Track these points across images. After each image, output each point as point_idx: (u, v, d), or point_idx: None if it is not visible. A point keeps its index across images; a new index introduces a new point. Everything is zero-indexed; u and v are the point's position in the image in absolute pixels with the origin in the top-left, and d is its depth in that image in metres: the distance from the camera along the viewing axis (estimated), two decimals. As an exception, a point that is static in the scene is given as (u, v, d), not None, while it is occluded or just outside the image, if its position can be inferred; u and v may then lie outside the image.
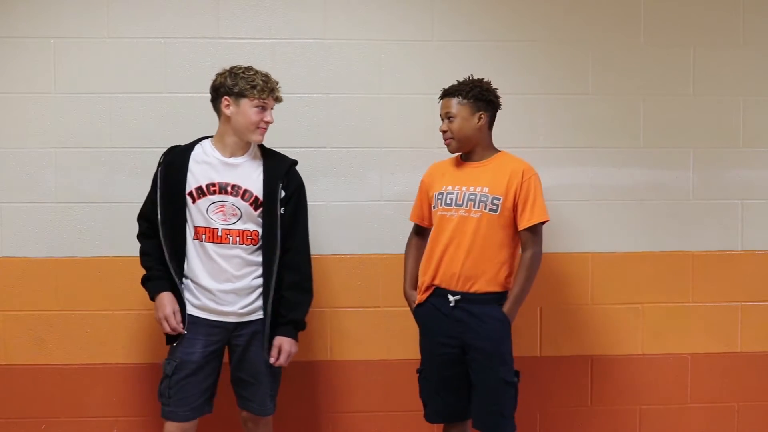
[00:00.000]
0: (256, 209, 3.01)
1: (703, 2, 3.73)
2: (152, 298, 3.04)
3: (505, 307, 3.03)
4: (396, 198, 3.65)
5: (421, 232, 3.29)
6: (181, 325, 2.99)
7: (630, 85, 3.71)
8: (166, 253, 3.02)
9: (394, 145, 3.64)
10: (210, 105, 3.09)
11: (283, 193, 3.03)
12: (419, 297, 3.16)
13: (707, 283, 3.76)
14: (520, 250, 3.09)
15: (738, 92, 3.75)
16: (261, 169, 3.05)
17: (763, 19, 3.75)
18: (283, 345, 3.02)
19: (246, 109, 2.98)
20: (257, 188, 3.02)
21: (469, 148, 3.12)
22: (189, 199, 3.01)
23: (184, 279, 3.05)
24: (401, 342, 3.66)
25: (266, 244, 3.02)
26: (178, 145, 3.13)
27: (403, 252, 3.52)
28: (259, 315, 3.04)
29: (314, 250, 3.57)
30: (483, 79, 3.14)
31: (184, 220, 3.02)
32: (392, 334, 3.66)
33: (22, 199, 3.54)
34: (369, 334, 3.66)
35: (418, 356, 3.64)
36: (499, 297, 3.05)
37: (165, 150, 3.12)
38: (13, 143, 3.53)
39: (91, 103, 3.54)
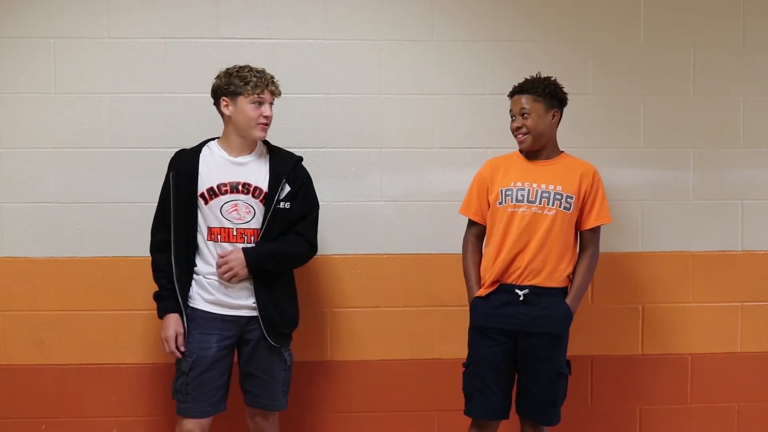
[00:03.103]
0: (265, 205, 3.05)
1: (703, 3, 3.73)
2: (160, 317, 3.07)
3: (569, 300, 3.10)
4: (396, 198, 3.65)
5: (478, 234, 3.26)
6: (182, 348, 3.02)
7: (630, 86, 3.71)
8: (173, 258, 3.03)
9: (394, 145, 3.64)
10: (210, 105, 3.10)
11: (288, 189, 3.07)
12: (481, 291, 3.15)
13: (707, 283, 3.76)
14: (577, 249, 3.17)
15: (738, 92, 3.76)
16: (268, 166, 3.08)
17: (763, 19, 3.75)
18: (229, 258, 2.98)
19: (243, 107, 3.01)
20: (265, 185, 3.05)
21: (542, 145, 3.14)
22: (201, 201, 3.03)
23: (195, 276, 3.06)
24: (401, 342, 3.66)
25: (261, 239, 3.04)
26: (185, 149, 3.14)
27: (405, 252, 3.55)
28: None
29: (314, 250, 3.60)
30: (551, 77, 3.17)
31: (197, 223, 3.04)
32: (392, 334, 3.65)
33: (22, 199, 3.53)
34: (369, 334, 3.66)
35: (418, 356, 3.66)
36: (562, 292, 3.11)
37: (173, 154, 3.13)
38: (13, 143, 3.53)
39: (91, 103, 3.53)
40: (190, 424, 3.05)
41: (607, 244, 3.68)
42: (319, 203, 3.57)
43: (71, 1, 3.52)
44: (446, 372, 3.55)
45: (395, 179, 3.65)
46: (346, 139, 3.63)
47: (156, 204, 3.13)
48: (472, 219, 3.25)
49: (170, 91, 3.55)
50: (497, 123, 3.25)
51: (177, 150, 3.15)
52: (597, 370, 3.75)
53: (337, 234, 3.63)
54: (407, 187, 3.64)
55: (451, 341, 3.59)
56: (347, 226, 3.64)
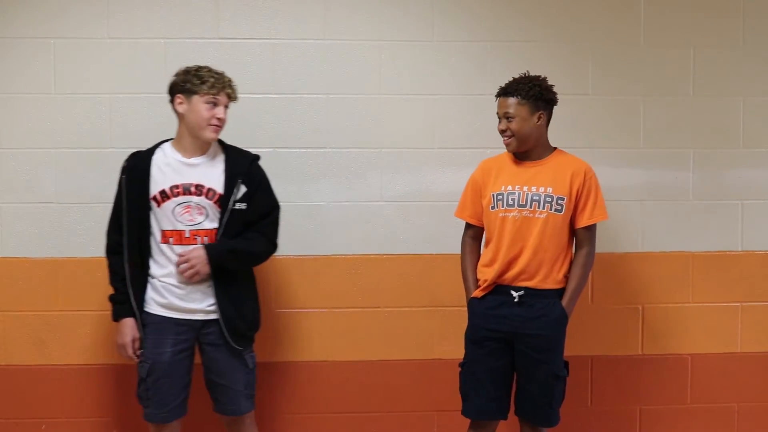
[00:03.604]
0: (219, 207, 3.02)
1: (703, 3, 3.73)
2: (115, 320, 3.06)
3: (564, 302, 3.07)
4: (396, 198, 3.65)
5: (475, 235, 3.25)
6: (138, 353, 3.02)
7: (630, 86, 3.71)
8: (126, 261, 3.02)
9: (394, 146, 3.64)
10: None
11: (244, 189, 3.04)
12: (477, 292, 3.14)
13: (707, 283, 3.76)
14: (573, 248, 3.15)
15: (738, 93, 3.75)
16: (223, 166, 3.06)
17: (763, 20, 3.75)
18: (191, 256, 2.95)
19: (197, 106, 2.98)
20: (219, 186, 3.02)
21: (528, 147, 3.12)
22: (153, 204, 3.02)
23: (150, 278, 3.04)
24: (401, 342, 3.66)
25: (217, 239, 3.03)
26: (140, 151, 3.12)
27: (405, 252, 3.54)
28: None
29: (314, 250, 3.60)
30: (540, 76, 3.14)
31: (149, 225, 3.02)
32: (392, 334, 3.65)
33: (22, 200, 3.53)
34: (369, 334, 3.66)
35: (418, 357, 3.66)
36: (558, 293, 3.08)
37: (127, 157, 3.12)
38: (13, 144, 3.53)
39: (91, 103, 3.53)
40: (156, 428, 3.07)
41: (607, 244, 3.69)
42: (319, 203, 3.60)
43: (71, 2, 3.52)
44: (446, 372, 3.55)
45: (395, 179, 3.65)
46: (346, 139, 3.63)
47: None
48: (468, 222, 3.25)
49: (170, 91, 3.55)
50: (497, 123, 3.24)
51: (132, 152, 3.13)
52: (597, 371, 3.75)
53: (336, 234, 3.63)
54: (407, 187, 3.64)
55: (451, 341, 3.59)
56: (347, 227, 3.63)
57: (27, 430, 3.56)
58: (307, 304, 3.63)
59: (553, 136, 3.66)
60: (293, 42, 3.60)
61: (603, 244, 3.71)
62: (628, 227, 3.73)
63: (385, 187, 3.65)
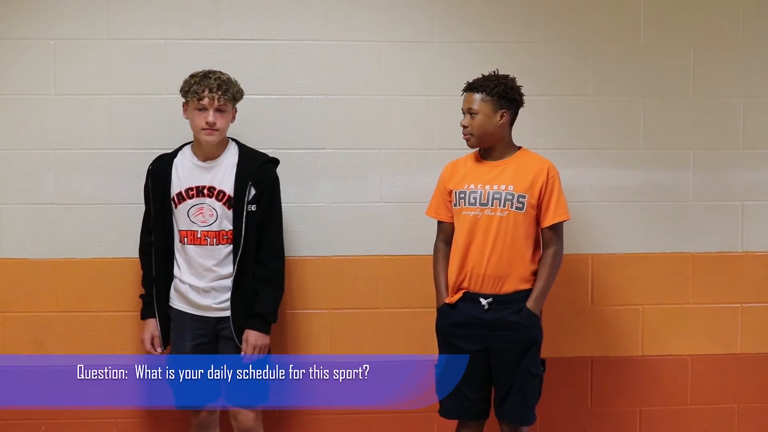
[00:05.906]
0: (229, 208, 3.11)
1: (703, 4, 3.73)
2: (142, 319, 3.26)
3: (529, 303, 3.03)
4: (396, 199, 3.65)
5: (446, 240, 3.22)
6: (159, 349, 3.20)
7: (630, 87, 3.70)
8: (154, 258, 3.17)
9: (394, 147, 3.64)
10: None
11: (253, 191, 3.13)
12: (449, 299, 3.13)
13: (707, 284, 3.76)
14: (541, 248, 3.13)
15: (738, 94, 3.75)
16: (235, 169, 3.14)
17: (763, 20, 3.75)
18: (249, 338, 3.11)
19: (191, 113, 3.12)
20: (229, 188, 3.12)
21: (489, 145, 3.11)
22: (173, 205, 3.14)
23: (174, 278, 3.19)
24: (401, 343, 3.65)
25: (234, 241, 3.12)
26: (165, 153, 3.25)
27: (405, 253, 3.54)
28: None
29: (314, 251, 3.60)
30: (508, 75, 3.13)
31: (172, 225, 3.16)
32: (392, 335, 3.65)
33: (22, 201, 3.53)
34: (369, 335, 3.65)
35: (418, 358, 3.65)
36: (527, 294, 3.06)
37: (153, 159, 3.25)
38: (13, 144, 3.52)
39: (91, 103, 3.53)
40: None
41: (606, 245, 3.70)
42: (319, 204, 3.60)
43: (71, 3, 3.51)
44: (446, 373, 3.56)
45: (395, 180, 3.65)
46: (346, 140, 3.63)
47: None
48: (441, 220, 3.22)
49: (170, 92, 3.52)
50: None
51: (157, 156, 3.26)
52: (597, 372, 3.75)
53: (336, 235, 3.62)
54: (407, 188, 3.63)
55: (451, 342, 3.58)
56: (347, 228, 3.63)
57: (27, 431, 3.56)
58: (307, 305, 3.63)
59: (553, 137, 3.68)
60: (293, 42, 3.60)
61: (602, 245, 3.72)
62: (628, 228, 3.73)
63: (385, 187, 3.65)
